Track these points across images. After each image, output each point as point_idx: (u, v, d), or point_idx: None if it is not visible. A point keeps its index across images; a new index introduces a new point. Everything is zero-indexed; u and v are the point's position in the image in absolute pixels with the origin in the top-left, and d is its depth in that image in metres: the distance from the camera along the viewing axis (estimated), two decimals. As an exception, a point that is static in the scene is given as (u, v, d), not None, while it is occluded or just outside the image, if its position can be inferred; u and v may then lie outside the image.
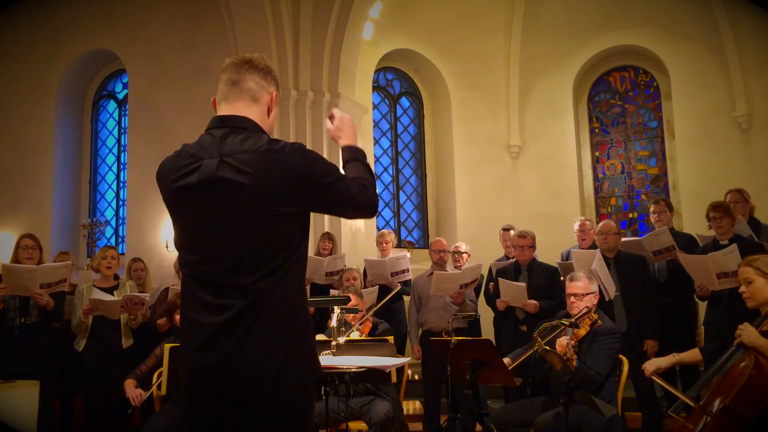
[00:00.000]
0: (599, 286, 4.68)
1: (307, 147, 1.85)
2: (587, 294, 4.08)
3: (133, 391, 4.35)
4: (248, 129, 1.86)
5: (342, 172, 1.94)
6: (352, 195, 1.88)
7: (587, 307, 4.01)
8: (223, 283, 1.77)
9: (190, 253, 1.84)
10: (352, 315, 4.61)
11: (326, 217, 7.44)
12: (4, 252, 6.69)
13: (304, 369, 1.80)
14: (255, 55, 1.98)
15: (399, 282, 6.00)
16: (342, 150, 2.08)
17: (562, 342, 3.79)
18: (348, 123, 2.13)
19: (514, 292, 5.20)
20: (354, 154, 2.03)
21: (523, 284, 5.20)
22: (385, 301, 5.24)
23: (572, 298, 4.10)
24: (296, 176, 1.77)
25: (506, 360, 4.04)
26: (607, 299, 4.74)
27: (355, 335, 4.48)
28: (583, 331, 3.91)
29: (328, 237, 6.41)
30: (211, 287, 1.78)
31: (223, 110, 1.92)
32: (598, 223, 9.47)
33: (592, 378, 3.71)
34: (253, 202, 1.74)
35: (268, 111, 1.96)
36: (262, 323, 1.74)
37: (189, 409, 1.83)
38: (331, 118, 2.15)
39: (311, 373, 1.83)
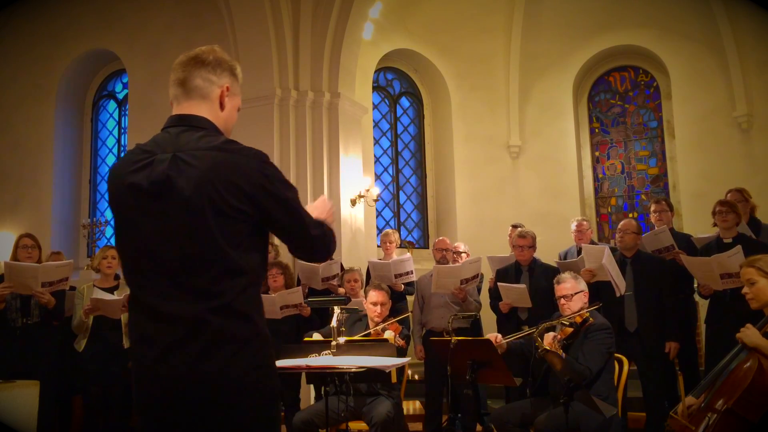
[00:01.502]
0: (611, 281, 4.69)
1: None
2: (576, 293, 4.09)
3: None
4: (206, 128, 1.81)
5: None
6: (306, 225, 1.82)
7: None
8: (174, 287, 1.70)
9: (137, 256, 1.77)
10: (377, 312, 4.60)
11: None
12: (4, 252, 6.69)
13: (265, 382, 1.74)
14: (204, 48, 1.89)
15: (402, 284, 5.99)
16: None
17: (548, 336, 3.84)
18: (321, 202, 2.07)
19: (516, 294, 5.20)
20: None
21: (524, 286, 5.19)
22: (400, 318, 5.21)
23: (562, 300, 4.12)
24: (249, 179, 1.71)
25: (500, 341, 4.01)
26: (617, 294, 4.74)
27: (388, 334, 4.46)
28: (569, 329, 3.92)
29: None
30: (163, 291, 1.71)
31: (177, 111, 1.87)
32: (598, 223, 9.57)
33: (581, 372, 3.72)
34: (201, 200, 1.68)
35: (222, 106, 1.88)
36: (219, 335, 1.68)
37: (146, 425, 1.76)
38: None
39: (272, 388, 1.77)
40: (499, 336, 4.09)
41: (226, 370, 1.67)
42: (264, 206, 1.75)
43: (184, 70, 1.86)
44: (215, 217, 1.69)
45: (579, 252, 5.81)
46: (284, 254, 6.47)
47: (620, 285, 4.71)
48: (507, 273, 5.49)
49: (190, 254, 1.70)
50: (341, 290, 5.82)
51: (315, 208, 2.01)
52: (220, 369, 1.67)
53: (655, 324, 4.86)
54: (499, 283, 5.41)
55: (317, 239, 1.86)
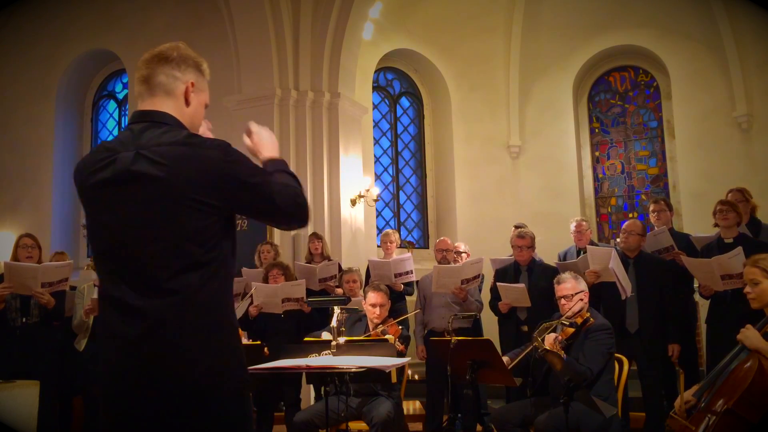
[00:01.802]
0: (616, 282, 4.68)
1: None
2: (576, 293, 4.08)
3: None
4: (169, 124, 1.80)
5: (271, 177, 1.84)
6: (280, 200, 1.80)
7: (581, 303, 4.04)
8: (140, 282, 1.70)
9: (106, 252, 1.77)
10: (376, 313, 4.59)
11: (320, 217, 7.40)
12: (4, 252, 6.68)
13: (231, 375, 1.73)
14: (168, 45, 1.88)
15: (402, 283, 5.99)
16: (263, 164, 1.97)
17: (550, 338, 3.83)
18: (267, 136, 2.03)
19: (514, 293, 5.20)
20: (277, 166, 1.93)
21: (522, 285, 5.19)
22: (400, 319, 5.19)
23: (562, 300, 4.11)
24: (215, 171, 1.70)
25: (505, 359, 4.04)
26: (623, 297, 4.73)
27: (388, 338, 4.45)
28: (571, 329, 3.92)
29: (317, 237, 6.39)
30: (129, 286, 1.71)
31: (141, 108, 1.86)
32: (598, 223, 9.57)
33: (583, 373, 3.71)
34: (167, 195, 1.68)
35: (187, 102, 1.87)
36: (183, 328, 1.67)
37: (110, 419, 1.76)
38: (249, 133, 2.02)
39: (240, 379, 1.76)
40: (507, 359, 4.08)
41: (192, 363, 1.66)
42: (233, 197, 1.74)
43: (148, 67, 1.84)
44: (181, 212, 1.68)
45: (579, 252, 5.82)
46: (285, 255, 6.48)
47: (626, 287, 4.70)
48: (506, 273, 5.49)
49: (154, 250, 1.69)
50: (339, 291, 5.81)
51: (259, 145, 2.00)
52: (187, 362, 1.66)
53: (656, 325, 4.86)
54: (498, 283, 5.41)
55: (297, 211, 1.84)
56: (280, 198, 1.80)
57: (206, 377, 1.68)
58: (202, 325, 1.70)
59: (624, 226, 5.18)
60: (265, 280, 5.44)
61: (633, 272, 4.94)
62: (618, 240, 5.30)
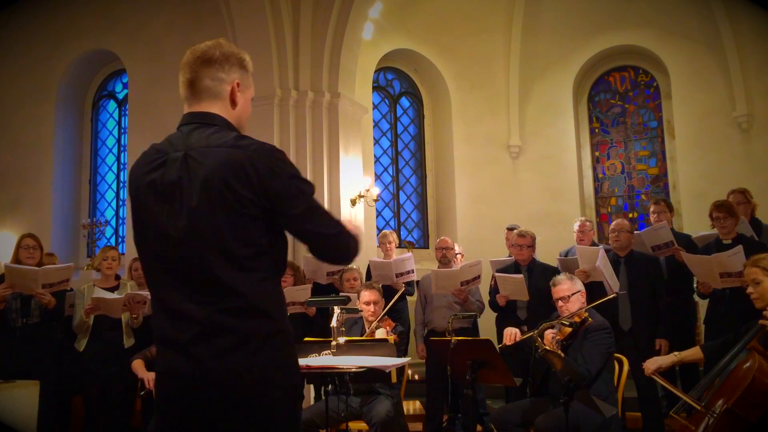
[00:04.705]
0: (603, 281, 4.68)
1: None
2: (573, 294, 4.08)
3: (145, 372, 4.36)
4: (217, 125, 1.80)
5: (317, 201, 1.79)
6: (321, 223, 1.77)
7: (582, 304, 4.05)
8: (191, 285, 1.70)
9: (156, 255, 1.76)
10: (371, 311, 4.62)
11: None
12: (5, 252, 6.68)
13: (287, 380, 1.73)
14: (209, 43, 1.85)
15: (403, 283, 5.99)
16: None
17: (548, 336, 3.83)
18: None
19: (512, 285, 5.19)
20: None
21: (521, 276, 5.19)
22: (392, 303, 5.21)
23: (560, 302, 4.10)
24: (259, 178, 1.68)
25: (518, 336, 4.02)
26: (609, 293, 4.74)
27: (380, 332, 4.46)
28: (569, 329, 3.91)
29: None
30: (179, 289, 1.71)
31: (188, 110, 1.86)
32: (598, 223, 9.57)
33: (581, 374, 3.71)
34: (213, 197, 1.67)
35: (233, 102, 1.87)
36: (235, 335, 1.66)
37: (165, 425, 1.75)
38: None
39: (295, 386, 1.75)
40: (518, 333, 4.07)
41: (247, 368, 1.65)
42: (274, 203, 1.71)
43: (192, 71, 1.83)
44: (226, 216, 1.67)
45: (580, 252, 5.81)
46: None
47: (613, 286, 4.71)
48: (506, 272, 5.50)
49: (202, 255, 1.68)
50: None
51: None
52: (242, 367, 1.65)
53: (649, 323, 4.87)
54: (496, 273, 5.42)
55: (333, 238, 1.80)
56: (324, 218, 1.78)
57: (258, 385, 1.66)
58: (256, 330, 1.68)
59: (612, 226, 5.19)
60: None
61: (624, 271, 4.95)
62: (609, 239, 5.30)
